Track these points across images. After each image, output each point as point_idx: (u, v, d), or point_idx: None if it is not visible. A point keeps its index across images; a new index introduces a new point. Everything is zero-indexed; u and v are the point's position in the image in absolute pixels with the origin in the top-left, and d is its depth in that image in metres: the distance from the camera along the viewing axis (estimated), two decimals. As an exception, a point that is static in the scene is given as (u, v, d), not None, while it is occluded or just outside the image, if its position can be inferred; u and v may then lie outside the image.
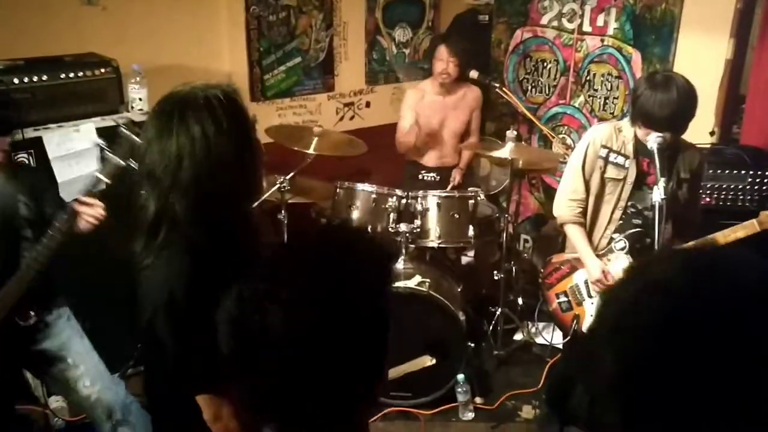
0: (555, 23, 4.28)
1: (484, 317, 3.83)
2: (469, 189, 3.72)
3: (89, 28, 3.49)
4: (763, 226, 2.40)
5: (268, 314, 0.87)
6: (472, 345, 3.60)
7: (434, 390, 3.30)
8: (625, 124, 2.71)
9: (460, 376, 3.28)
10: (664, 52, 3.75)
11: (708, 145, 3.44)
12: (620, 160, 2.69)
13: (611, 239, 2.77)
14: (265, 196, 3.47)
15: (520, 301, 3.96)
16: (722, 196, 3.19)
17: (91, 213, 2.31)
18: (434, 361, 3.23)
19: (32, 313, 2.45)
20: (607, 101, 4.11)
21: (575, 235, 2.82)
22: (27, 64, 3.08)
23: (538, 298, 4.16)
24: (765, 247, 2.46)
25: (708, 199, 3.17)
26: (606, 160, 2.72)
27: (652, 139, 2.45)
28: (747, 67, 3.58)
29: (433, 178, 4.08)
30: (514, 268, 3.95)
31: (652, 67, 3.81)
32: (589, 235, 2.82)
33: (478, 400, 3.37)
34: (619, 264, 2.71)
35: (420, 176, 4.11)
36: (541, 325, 3.93)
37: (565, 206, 2.83)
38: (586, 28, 4.12)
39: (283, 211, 3.55)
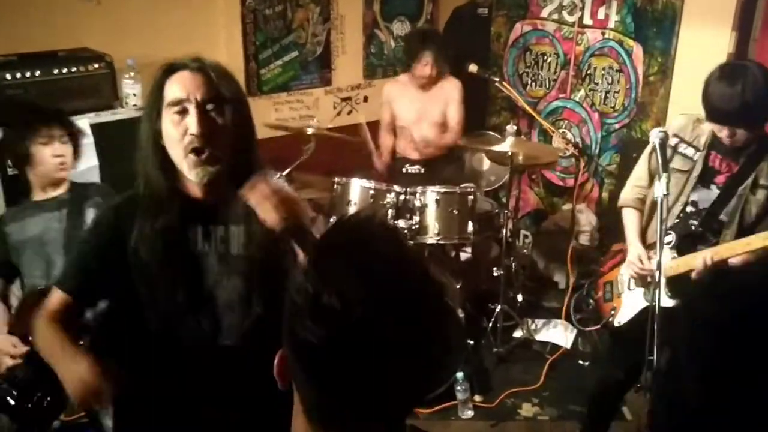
0: (555, 16, 4.23)
1: (483, 314, 3.80)
2: (462, 185, 3.68)
3: (83, 22, 3.45)
4: None
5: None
6: (472, 342, 3.58)
7: (433, 388, 3.28)
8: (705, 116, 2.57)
9: (460, 374, 3.25)
10: (665, 46, 3.71)
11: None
12: (689, 151, 2.53)
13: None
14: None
15: (519, 297, 3.94)
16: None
17: None
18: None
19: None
20: (608, 95, 4.07)
21: (627, 218, 2.73)
22: (20, 60, 3.06)
23: (538, 295, 4.17)
24: None
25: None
26: (675, 149, 2.57)
27: (654, 134, 2.36)
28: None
29: (418, 170, 4.04)
30: (513, 264, 3.92)
31: (653, 60, 3.78)
32: (647, 227, 2.70)
33: (477, 398, 3.34)
34: (663, 258, 2.53)
35: (404, 170, 4.07)
36: (540, 322, 3.90)
37: (627, 191, 2.76)
38: (587, 20, 4.07)
39: (280, 208, 3.52)
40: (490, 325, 3.73)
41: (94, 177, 3.15)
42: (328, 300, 0.84)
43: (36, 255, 2.51)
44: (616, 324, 2.69)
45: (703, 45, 3.52)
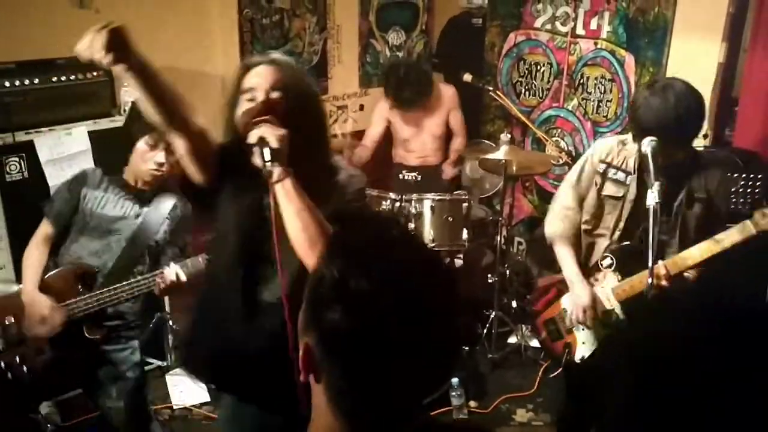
0: (548, 26, 4.28)
1: (478, 320, 3.83)
2: (455, 192, 3.72)
3: (82, 30, 3.45)
4: (758, 227, 2.23)
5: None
6: (467, 348, 3.60)
7: (428, 393, 3.29)
8: (630, 138, 2.50)
9: (455, 380, 3.27)
10: (657, 56, 3.76)
11: (701, 148, 3.45)
12: (620, 176, 2.49)
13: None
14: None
15: (513, 304, 3.96)
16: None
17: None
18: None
19: (100, 331, 2.56)
20: (600, 104, 4.11)
21: (562, 255, 2.63)
22: (19, 67, 3.07)
23: (532, 301, 4.19)
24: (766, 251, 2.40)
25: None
26: (604, 176, 2.52)
27: (646, 143, 2.28)
28: (739, 70, 3.60)
29: (414, 178, 4.08)
30: (507, 271, 3.95)
31: (645, 70, 3.83)
32: (588, 257, 2.63)
33: (472, 403, 3.36)
34: (606, 282, 2.55)
35: (401, 176, 4.11)
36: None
37: (553, 223, 2.68)
38: (580, 31, 4.12)
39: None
40: (485, 331, 3.76)
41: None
42: (355, 284, 0.86)
43: (99, 234, 2.61)
44: (578, 360, 2.60)
45: (694, 55, 3.57)
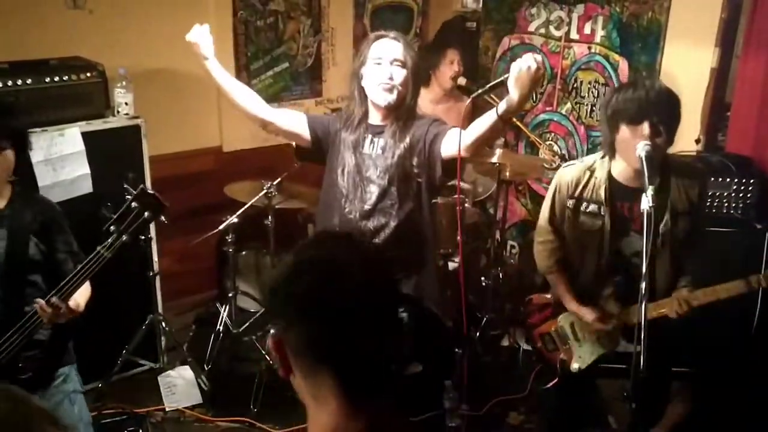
0: (542, 30, 4.30)
1: (471, 323, 3.83)
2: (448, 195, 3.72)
3: (75, 31, 3.46)
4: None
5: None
6: (459, 351, 3.60)
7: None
8: (599, 163, 2.44)
9: (447, 382, 3.26)
10: (650, 60, 3.78)
11: (694, 153, 3.47)
12: (593, 208, 2.42)
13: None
14: (252, 201, 3.46)
15: (506, 307, 3.97)
16: (707, 204, 3.19)
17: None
18: (421, 368, 3.21)
19: (30, 369, 2.24)
20: (593, 108, 4.13)
21: (557, 285, 2.65)
22: (12, 68, 3.06)
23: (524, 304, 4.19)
24: None
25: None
26: (575, 211, 2.46)
27: (641, 147, 2.19)
28: (732, 75, 3.61)
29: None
30: (501, 274, 3.96)
31: (638, 74, 3.84)
32: (585, 281, 2.59)
33: (464, 406, 3.35)
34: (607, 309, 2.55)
35: None
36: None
37: (539, 255, 2.66)
38: (574, 35, 4.14)
39: (270, 217, 3.54)
40: (478, 334, 3.76)
41: (86, 185, 3.16)
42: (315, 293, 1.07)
43: None
44: (574, 370, 2.62)
45: (687, 60, 3.59)
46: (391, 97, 2.48)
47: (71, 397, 2.38)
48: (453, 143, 2.38)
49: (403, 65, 2.48)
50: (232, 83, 2.59)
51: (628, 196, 2.35)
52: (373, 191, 2.53)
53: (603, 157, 2.44)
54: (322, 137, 2.62)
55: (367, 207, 2.54)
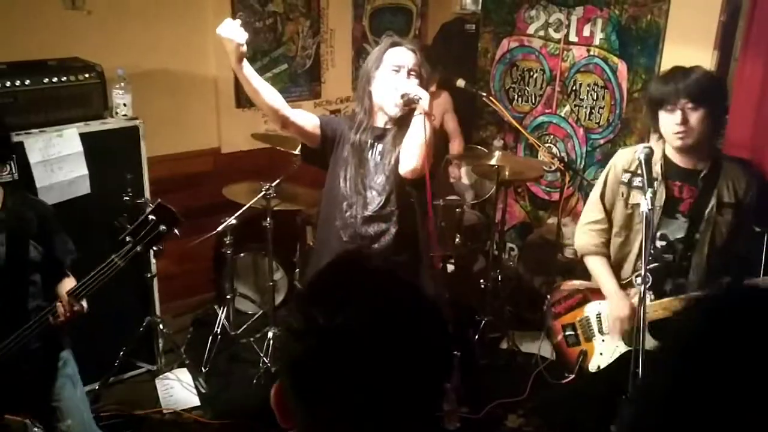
0: (541, 33, 4.30)
1: (469, 326, 3.83)
2: (447, 198, 3.72)
3: (74, 32, 3.46)
4: None
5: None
6: (458, 354, 3.59)
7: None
8: (654, 145, 2.44)
9: (446, 385, 3.26)
10: (649, 63, 3.78)
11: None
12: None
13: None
14: (251, 203, 3.46)
15: (505, 309, 3.96)
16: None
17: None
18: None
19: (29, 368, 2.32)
20: (592, 111, 4.13)
21: (597, 268, 2.57)
22: (10, 68, 3.05)
23: (523, 307, 4.20)
24: None
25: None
26: (629, 185, 2.47)
27: (639, 150, 2.29)
28: (730, 78, 3.61)
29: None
30: (499, 276, 3.95)
31: (637, 77, 3.85)
32: (619, 270, 2.57)
33: (463, 409, 3.35)
34: (637, 300, 2.42)
35: None
36: (526, 334, 3.93)
37: (583, 235, 2.62)
38: (573, 38, 4.14)
39: (268, 218, 3.53)
40: (477, 336, 3.76)
41: (84, 186, 3.15)
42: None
43: None
44: (592, 369, 2.54)
45: (686, 63, 3.53)
46: (404, 110, 2.51)
47: (72, 380, 2.47)
48: (402, 159, 2.52)
49: (418, 76, 2.53)
50: (261, 82, 2.50)
51: (681, 175, 2.41)
52: (374, 197, 2.55)
53: (659, 138, 2.48)
54: (330, 139, 2.64)
55: (368, 213, 2.55)
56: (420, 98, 2.42)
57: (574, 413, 2.88)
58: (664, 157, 2.45)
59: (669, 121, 2.33)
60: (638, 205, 2.42)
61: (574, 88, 4.20)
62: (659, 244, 2.44)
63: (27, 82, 2.99)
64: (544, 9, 4.25)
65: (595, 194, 2.62)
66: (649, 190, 2.15)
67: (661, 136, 2.45)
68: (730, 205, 2.38)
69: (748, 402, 0.75)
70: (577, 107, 4.21)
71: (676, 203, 2.43)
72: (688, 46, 3.58)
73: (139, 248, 2.24)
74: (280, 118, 2.54)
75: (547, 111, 4.38)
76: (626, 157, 2.54)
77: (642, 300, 2.08)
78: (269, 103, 2.50)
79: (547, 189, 4.50)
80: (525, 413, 3.36)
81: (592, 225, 2.61)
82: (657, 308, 2.36)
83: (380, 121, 2.59)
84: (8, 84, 2.94)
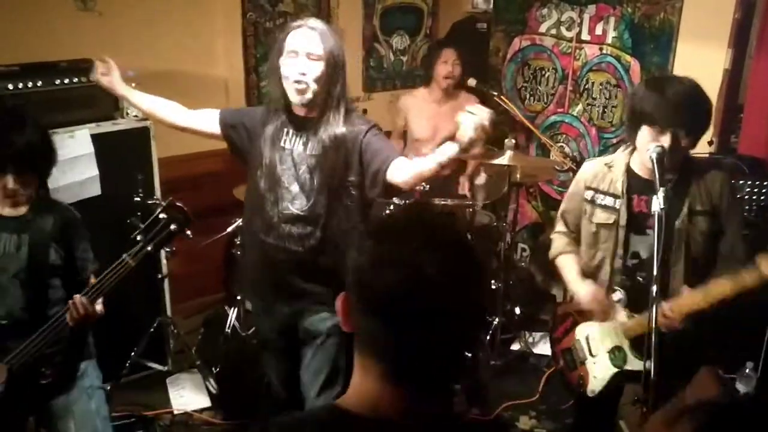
0: (553, 31, 4.27)
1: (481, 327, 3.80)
2: (459, 198, 3.70)
3: (85, 33, 3.47)
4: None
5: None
6: (469, 355, 3.58)
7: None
8: (617, 158, 2.38)
9: (456, 387, 3.25)
10: (662, 61, 3.74)
11: (706, 155, 3.42)
12: (608, 201, 2.35)
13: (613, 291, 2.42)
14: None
15: (517, 310, 3.94)
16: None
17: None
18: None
19: (50, 371, 2.29)
20: (605, 110, 4.10)
21: (562, 265, 2.52)
22: (22, 70, 3.05)
23: (535, 308, 4.17)
24: None
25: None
26: (592, 203, 2.39)
27: (652, 149, 2.14)
28: (745, 77, 3.58)
29: (422, 186, 4.05)
30: (511, 277, 3.93)
31: (650, 75, 3.81)
32: (597, 268, 2.46)
33: (474, 410, 3.34)
34: (619, 317, 2.40)
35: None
36: (538, 335, 3.91)
37: (554, 243, 2.59)
38: (585, 36, 4.11)
39: (278, 219, 3.52)
40: (488, 337, 3.74)
41: (95, 187, 3.16)
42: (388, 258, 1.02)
43: None
44: (590, 394, 2.45)
45: (700, 61, 3.54)
46: (305, 98, 2.27)
47: (88, 392, 2.43)
48: (400, 173, 2.28)
49: (320, 59, 2.25)
50: (152, 103, 2.59)
51: (647, 189, 2.25)
52: (295, 191, 2.34)
53: (626, 149, 2.38)
54: (237, 131, 2.47)
55: (292, 210, 2.34)
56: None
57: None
58: (628, 170, 2.32)
59: (652, 139, 2.18)
60: (601, 224, 2.36)
61: (586, 86, 4.16)
62: (630, 262, 2.35)
63: (39, 83, 3.01)
64: (556, 7, 4.22)
65: (562, 207, 2.58)
66: (661, 189, 2.07)
67: (634, 149, 2.32)
68: (704, 212, 2.25)
69: None
70: (589, 106, 4.18)
71: (643, 219, 2.31)
72: (702, 44, 3.54)
73: (150, 248, 2.19)
74: (179, 128, 2.55)
75: (559, 110, 4.35)
76: (590, 171, 2.42)
77: (652, 302, 2.03)
78: (165, 119, 2.56)
79: (559, 189, 4.46)
80: (537, 415, 3.34)
81: (559, 234, 2.58)
82: (634, 326, 2.30)
83: (298, 108, 2.34)
84: (20, 85, 2.96)
